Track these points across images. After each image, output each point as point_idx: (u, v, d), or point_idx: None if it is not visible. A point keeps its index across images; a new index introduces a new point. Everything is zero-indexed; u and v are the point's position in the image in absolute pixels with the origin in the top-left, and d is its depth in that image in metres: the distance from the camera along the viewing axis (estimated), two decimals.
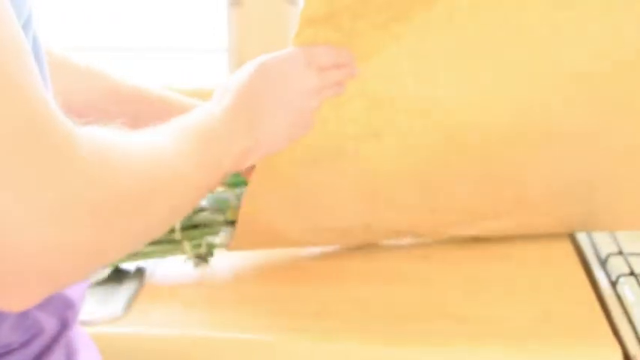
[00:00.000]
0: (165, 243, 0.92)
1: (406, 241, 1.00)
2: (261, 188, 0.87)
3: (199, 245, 0.93)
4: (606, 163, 0.92)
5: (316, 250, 0.98)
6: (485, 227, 0.97)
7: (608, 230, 1.01)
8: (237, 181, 0.94)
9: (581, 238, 1.02)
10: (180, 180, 0.60)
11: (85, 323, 0.78)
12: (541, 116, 0.87)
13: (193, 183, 0.63)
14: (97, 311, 0.85)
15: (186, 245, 0.93)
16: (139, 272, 0.93)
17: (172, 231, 0.92)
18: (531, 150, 0.90)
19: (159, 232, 0.60)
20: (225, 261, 0.96)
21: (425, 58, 0.82)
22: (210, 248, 0.94)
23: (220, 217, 0.95)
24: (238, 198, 0.94)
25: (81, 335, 0.69)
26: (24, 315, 0.60)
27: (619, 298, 0.87)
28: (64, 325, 0.64)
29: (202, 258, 0.94)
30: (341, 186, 0.90)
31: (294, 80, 0.77)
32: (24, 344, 0.61)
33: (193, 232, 0.94)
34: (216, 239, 0.95)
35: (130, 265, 0.94)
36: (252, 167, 0.84)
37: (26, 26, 0.55)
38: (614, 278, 0.90)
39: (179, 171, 0.60)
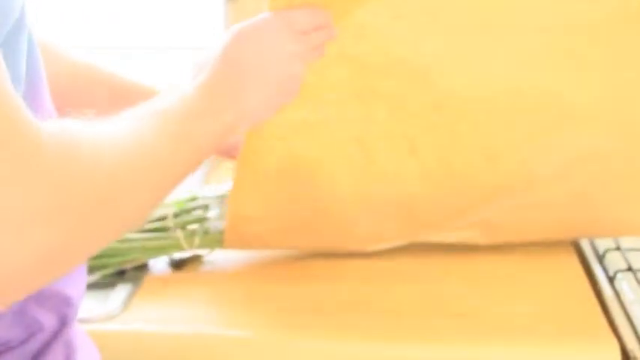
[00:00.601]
0: (159, 230, 0.93)
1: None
2: (245, 181, 0.85)
3: (193, 234, 0.93)
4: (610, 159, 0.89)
5: None
6: (484, 225, 0.94)
7: (610, 237, 0.99)
8: None
9: None
10: (158, 168, 0.58)
11: (83, 321, 0.78)
12: (538, 88, 0.83)
13: (172, 168, 0.61)
14: (95, 309, 0.85)
15: (180, 234, 0.92)
16: (137, 270, 0.93)
17: (164, 218, 0.92)
18: (527, 124, 0.86)
19: (138, 223, 0.59)
20: (223, 258, 0.95)
21: (406, 19, 0.78)
22: (205, 240, 0.93)
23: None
24: None
25: (80, 333, 0.69)
26: (22, 312, 0.60)
27: (617, 293, 0.87)
28: (63, 323, 0.64)
29: (176, 264, 0.94)
30: (328, 157, 0.86)
31: (273, 47, 0.73)
32: (23, 341, 0.61)
33: (187, 217, 0.94)
34: (211, 223, 0.94)
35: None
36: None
37: (20, 24, 0.55)
38: (611, 274, 0.90)
39: (156, 158, 0.58)
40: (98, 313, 0.84)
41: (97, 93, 0.83)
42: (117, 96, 0.83)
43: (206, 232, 0.94)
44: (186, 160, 0.63)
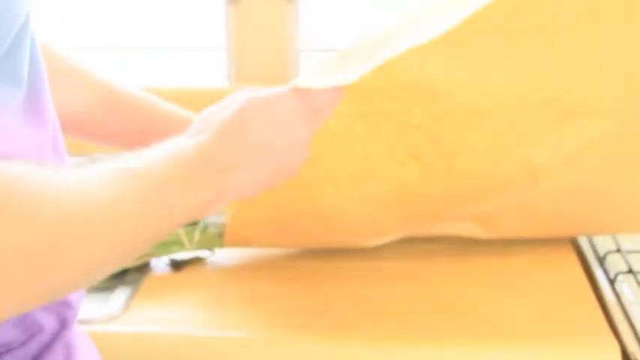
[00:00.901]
0: None
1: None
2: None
3: (193, 229, 0.93)
4: (616, 166, 0.90)
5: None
6: (485, 217, 0.95)
7: (610, 234, 0.99)
8: None
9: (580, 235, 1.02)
10: (111, 232, 0.53)
11: (83, 322, 0.78)
12: (540, 84, 0.83)
13: (135, 231, 0.56)
14: (96, 310, 0.85)
15: (180, 230, 0.92)
16: (138, 271, 0.93)
17: None
18: (529, 120, 0.86)
19: (87, 279, 0.55)
20: (223, 259, 0.96)
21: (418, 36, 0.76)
22: (204, 236, 0.93)
23: None
24: None
25: (80, 334, 0.69)
26: (23, 314, 0.60)
27: (617, 296, 0.87)
28: (63, 325, 0.64)
29: (177, 265, 0.94)
30: (330, 168, 0.86)
31: (285, 131, 0.67)
32: (23, 343, 0.61)
33: None
34: (210, 219, 0.94)
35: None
36: None
37: (23, 30, 0.55)
38: (612, 276, 0.90)
39: (117, 217, 0.53)
40: (99, 314, 0.84)
41: (90, 97, 0.83)
42: (109, 102, 0.83)
43: (205, 228, 0.94)
44: (153, 227, 0.58)
